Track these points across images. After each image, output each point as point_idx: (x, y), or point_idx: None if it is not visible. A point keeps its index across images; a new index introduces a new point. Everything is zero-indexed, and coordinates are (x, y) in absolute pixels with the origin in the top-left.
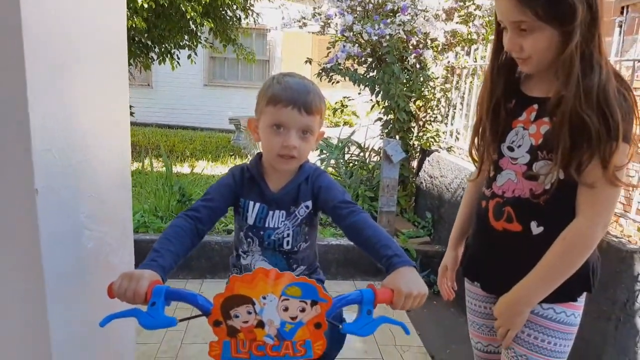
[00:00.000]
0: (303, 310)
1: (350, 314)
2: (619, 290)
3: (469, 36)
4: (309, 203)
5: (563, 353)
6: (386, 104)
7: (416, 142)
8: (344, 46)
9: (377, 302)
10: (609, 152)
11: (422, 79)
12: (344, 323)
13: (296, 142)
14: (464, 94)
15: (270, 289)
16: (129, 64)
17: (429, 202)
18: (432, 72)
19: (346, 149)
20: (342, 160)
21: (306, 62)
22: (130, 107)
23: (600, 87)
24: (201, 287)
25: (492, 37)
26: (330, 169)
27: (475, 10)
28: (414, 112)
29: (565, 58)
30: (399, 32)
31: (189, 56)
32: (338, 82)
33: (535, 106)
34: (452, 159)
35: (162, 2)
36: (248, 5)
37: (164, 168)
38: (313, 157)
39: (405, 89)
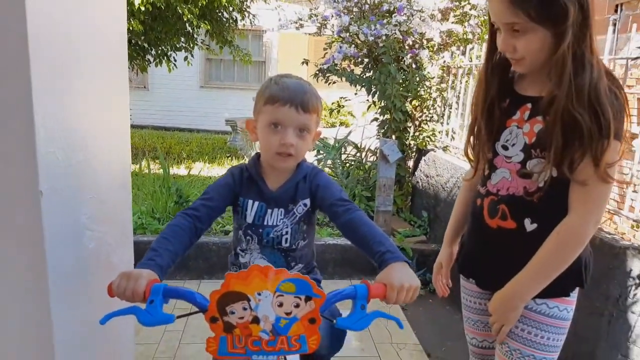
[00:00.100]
0: (297, 306)
1: (345, 312)
2: (612, 286)
3: (465, 36)
4: (307, 201)
5: (556, 347)
6: (382, 104)
7: (412, 142)
8: (340, 47)
9: (370, 297)
10: (600, 149)
11: (418, 78)
12: (338, 318)
13: (293, 139)
14: (459, 93)
15: (265, 286)
16: None
17: (425, 202)
18: (428, 72)
19: (343, 149)
20: (338, 161)
21: (303, 63)
22: None
23: (592, 86)
24: (199, 287)
25: (487, 37)
26: (327, 169)
27: (470, 10)
28: (410, 112)
29: (558, 58)
30: (395, 33)
31: (186, 58)
32: (334, 82)
33: (529, 105)
34: (448, 158)
35: (159, 4)
36: (244, 7)
37: (161, 170)
38: (310, 158)
39: (401, 89)
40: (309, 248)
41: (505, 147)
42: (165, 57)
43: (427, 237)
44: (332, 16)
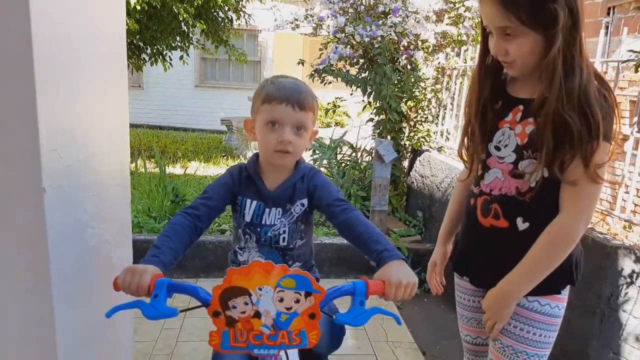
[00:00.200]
0: (298, 301)
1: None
2: (603, 285)
3: (459, 37)
4: (305, 201)
5: (548, 344)
6: (378, 104)
7: (407, 142)
8: (336, 47)
9: (369, 294)
10: (590, 151)
11: (413, 79)
12: (338, 313)
13: (291, 137)
14: (454, 94)
15: (265, 281)
16: None
17: (420, 201)
18: (423, 73)
19: (338, 149)
20: (334, 161)
21: (298, 63)
22: None
23: (582, 88)
24: None
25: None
26: (322, 169)
27: (465, 12)
28: (405, 113)
29: (548, 62)
30: (390, 34)
31: (181, 57)
32: (330, 83)
33: (521, 107)
34: (442, 159)
35: (155, 3)
36: (240, 6)
37: (156, 169)
38: (306, 158)
39: (396, 89)
40: (306, 247)
41: (498, 148)
42: (160, 56)
43: (422, 237)
44: (328, 17)
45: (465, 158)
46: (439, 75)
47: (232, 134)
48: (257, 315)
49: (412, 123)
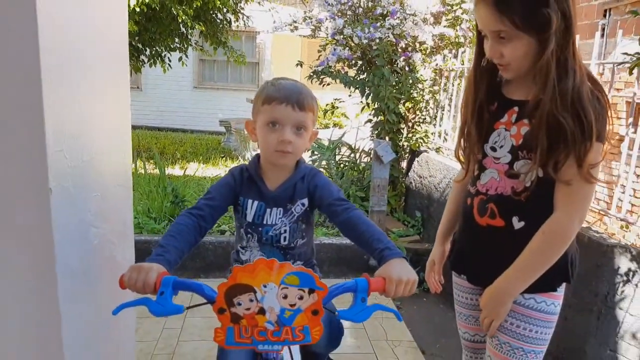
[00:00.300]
0: (301, 298)
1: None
2: (600, 284)
3: (457, 39)
4: (305, 201)
5: (544, 340)
6: (376, 105)
7: (405, 143)
8: (334, 49)
9: (370, 290)
10: (583, 151)
11: (411, 81)
12: (340, 310)
13: (291, 137)
14: (451, 95)
15: (270, 278)
16: None
17: (418, 202)
18: (421, 75)
19: (337, 150)
20: (333, 161)
21: (297, 65)
22: None
23: (575, 90)
24: None
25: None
26: (321, 170)
27: (462, 14)
28: (403, 114)
29: (542, 64)
30: (389, 36)
31: (180, 59)
32: (328, 84)
33: (516, 108)
34: (440, 159)
35: (154, 5)
36: (238, 8)
37: (156, 170)
38: (305, 158)
39: (394, 91)
40: (307, 246)
41: (493, 149)
42: (159, 58)
43: (421, 237)
44: (327, 19)
45: (462, 159)
46: (437, 77)
47: (231, 135)
48: (262, 311)
49: (410, 124)
